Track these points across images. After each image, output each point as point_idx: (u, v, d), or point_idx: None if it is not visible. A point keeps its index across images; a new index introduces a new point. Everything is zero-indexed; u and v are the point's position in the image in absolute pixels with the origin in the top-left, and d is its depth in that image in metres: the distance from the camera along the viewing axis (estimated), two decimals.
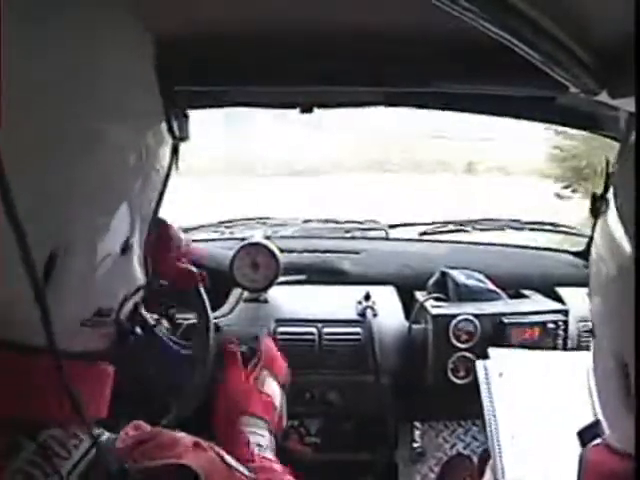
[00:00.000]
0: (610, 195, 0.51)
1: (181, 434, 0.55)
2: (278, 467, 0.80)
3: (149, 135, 0.53)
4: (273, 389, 0.95)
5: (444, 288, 1.34)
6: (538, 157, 6.15)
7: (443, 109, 1.07)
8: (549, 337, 1.25)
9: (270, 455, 0.84)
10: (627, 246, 0.46)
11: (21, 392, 0.46)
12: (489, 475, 0.93)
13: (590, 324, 0.55)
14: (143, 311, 0.62)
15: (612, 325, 0.49)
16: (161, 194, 0.57)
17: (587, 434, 0.56)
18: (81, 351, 0.51)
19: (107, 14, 0.48)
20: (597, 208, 0.53)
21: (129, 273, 0.54)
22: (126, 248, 0.52)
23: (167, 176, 0.57)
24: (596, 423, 0.55)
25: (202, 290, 1.07)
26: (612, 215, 0.50)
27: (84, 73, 0.45)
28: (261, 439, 0.86)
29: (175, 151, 0.58)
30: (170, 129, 0.56)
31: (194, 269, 1.01)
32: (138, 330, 0.58)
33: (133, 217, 0.52)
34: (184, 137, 0.58)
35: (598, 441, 0.55)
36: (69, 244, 0.46)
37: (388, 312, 1.35)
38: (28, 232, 0.40)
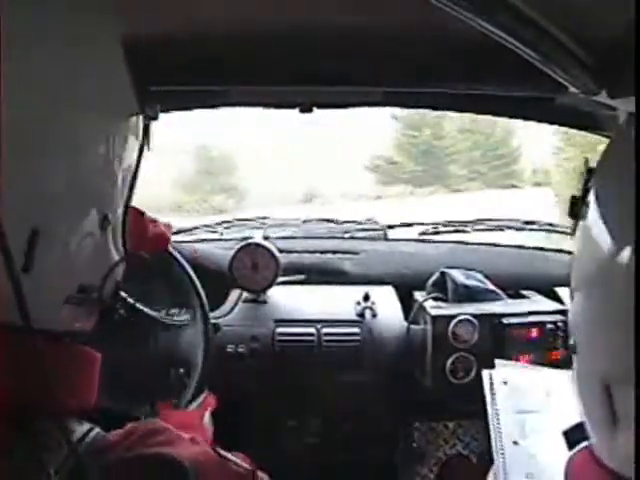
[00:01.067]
0: (590, 195, 0.50)
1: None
2: None
3: (122, 124, 0.55)
4: (207, 422, 1.05)
5: (443, 288, 1.34)
6: None
7: (443, 109, 1.08)
8: (548, 337, 1.25)
9: None
10: (608, 247, 0.46)
11: (13, 378, 0.46)
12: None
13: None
14: (122, 292, 0.63)
15: (593, 341, 0.48)
16: (135, 173, 0.59)
17: (573, 435, 0.55)
18: (67, 331, 0.52)
19: (81, 13, 0.49)
20: (576, 210, 0.52)
21: (107, 249, 0.56)
22: (104, 225, 0.54)
23: (140, 156, 0.60)
24: (582, 425, 0.55)
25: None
26: (593, 215, 0.49)
27: (64, 72, 0.47)
28: None
29: (146, 131, 0.61)
30: (143, 112, 0.59)
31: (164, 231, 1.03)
32: (121, 310, 0.59)
33: (110, 197, 0.55)
34: (155, 117, 0.62)
35: (585, 444, 0.54)
36: (51, 223, 0.48)
37: (387, 313, 1.34)
38: (9, 210, 0.42)
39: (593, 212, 0.49)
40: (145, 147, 0.61)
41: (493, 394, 1.01)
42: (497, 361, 1.09)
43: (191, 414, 1.03)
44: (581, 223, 0.51)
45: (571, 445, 0.55)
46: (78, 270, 0.52)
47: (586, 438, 0.53)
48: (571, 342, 0.53)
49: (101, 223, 0.53)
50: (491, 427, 0.96)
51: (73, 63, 0.48)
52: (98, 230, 0.53)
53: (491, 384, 1.03)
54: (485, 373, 1.05)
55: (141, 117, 0.59)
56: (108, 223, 0.54)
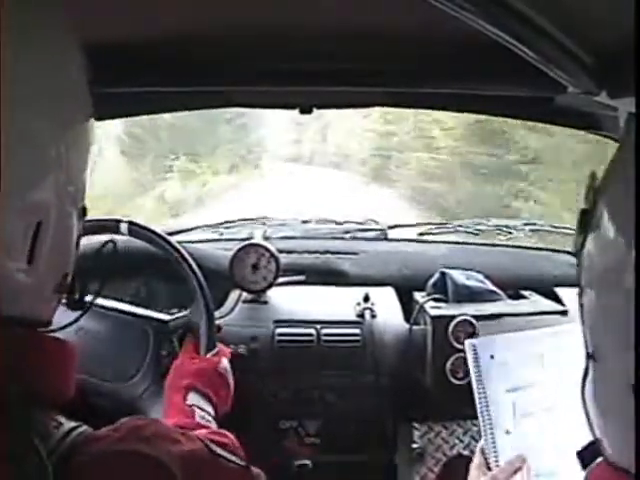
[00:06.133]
0: (601, 201, 0.50)
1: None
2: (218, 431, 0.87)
3: (80, 126, 0.54)
4: (226, 368, 1.09)
5: (443, 289, 1.34)
6: None
7: (443, 109, 1.08)
8: None
9: (214, 427, 0.95)
10: (620, 249, 0.46)
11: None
12: (479, 457, 0.93)
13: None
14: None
15: (615, 344, 0.48)
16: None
17: (587, 454, 0.55)
18: (43, 320, 0.52)
19: (35, 13, 0.49)
20: (585, 224, 0.52)
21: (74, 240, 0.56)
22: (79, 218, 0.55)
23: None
24: (594, 442, 0.54)
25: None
26: (604, 217, 0.49)
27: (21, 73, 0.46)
28: (206, 414, 0.98)
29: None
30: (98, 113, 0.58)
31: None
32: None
33: (75, 193, 0.54)
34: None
35: (600, 459, 0.54)
36: (47, 213, 0.48)
37: (387, 313, 1.34)
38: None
39: (605, 216, 0.49)
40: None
41: (479, 370, 0.96)
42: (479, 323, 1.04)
43: (208, 360, 1.06)
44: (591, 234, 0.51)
45: (585, 466, 0.55)
46: (64, 258, 0.53)
47: (599, 456, 0.53)
48: (589, 351, 0.53)
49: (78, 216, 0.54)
50: (479, 412, 0.93)
51: (31, 65, 0.47)
52: (76, 223, 0.53)
53: (475, 357, 0.97)
54: (468, 344, 0.98)
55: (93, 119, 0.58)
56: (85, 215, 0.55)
